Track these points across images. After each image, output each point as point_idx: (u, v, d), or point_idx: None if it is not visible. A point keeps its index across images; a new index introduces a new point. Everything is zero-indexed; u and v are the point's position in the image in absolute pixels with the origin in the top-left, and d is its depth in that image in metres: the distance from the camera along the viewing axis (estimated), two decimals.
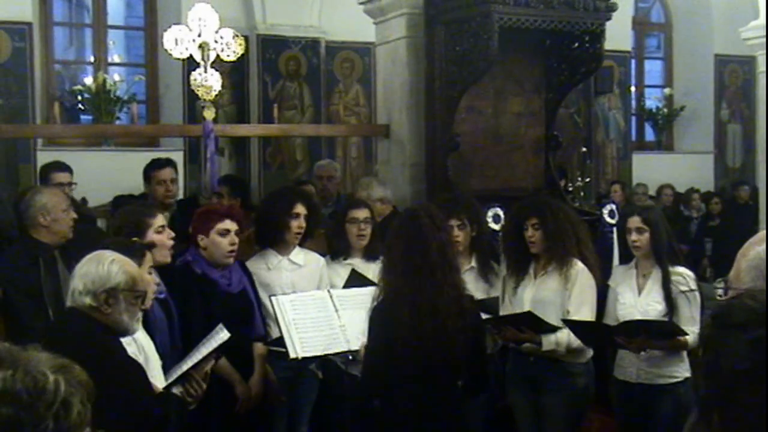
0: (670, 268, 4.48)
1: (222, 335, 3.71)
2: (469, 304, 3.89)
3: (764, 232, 2.25)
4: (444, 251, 3.79)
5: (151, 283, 3.55)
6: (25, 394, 1.34)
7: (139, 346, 3.44)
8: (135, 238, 4.12)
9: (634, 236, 4.54)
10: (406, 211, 4.13)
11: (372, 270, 4.96)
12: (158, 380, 3.43)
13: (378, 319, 3.77)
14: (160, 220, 4.30)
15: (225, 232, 4.40)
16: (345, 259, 5.02)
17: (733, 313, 1.57)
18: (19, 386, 1.34)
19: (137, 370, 3.05)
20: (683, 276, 4.49)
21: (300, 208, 4.77)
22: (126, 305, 3.08)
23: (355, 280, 4.72)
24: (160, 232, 4.23)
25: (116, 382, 2.81)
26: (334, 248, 5.08)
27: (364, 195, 5.89)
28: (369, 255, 5.01)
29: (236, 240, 4.44)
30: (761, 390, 1.47)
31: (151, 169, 5.90)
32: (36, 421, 1.33)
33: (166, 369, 3.63)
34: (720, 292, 2.33)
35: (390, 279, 3.75)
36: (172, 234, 4.32)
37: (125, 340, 3.19)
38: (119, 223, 4.36)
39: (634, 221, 4.56)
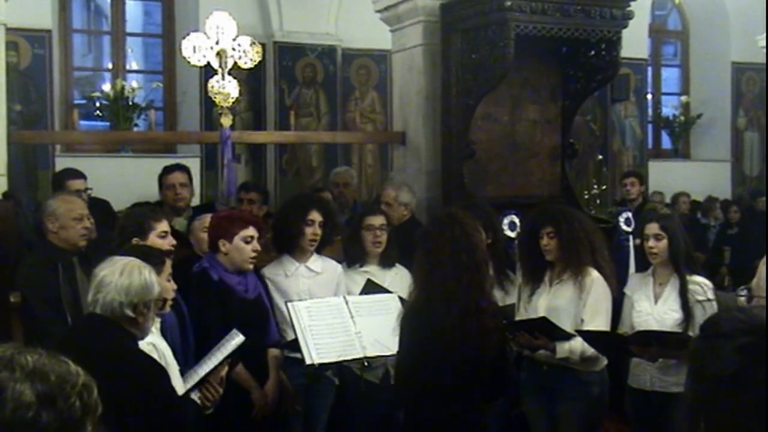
0: (688, 277, 4.47)
1: (237, 340, 3.74)
2: (495, 305, 3.94)
3: None
4: (485, 250, 3.89)
5: (170, 290, 3.57)
6: (53, 375, 1.45)
7: (161, 353, 3.45)
8: (135, 239, 4.16)
9: (651, 243, 4.53)
10: (443, 214, 4.02)
11: (388, 277, 4.97)
12: (177, 386, 3.44)
13: (414, 321, 3.76)
14: (164, 225, 4.33)
15: (249, 239, 4.42)
16: (361, 266, 5.02)
17: (720, 323, 1.64)
18: (47, 368, 1.46)
19: (163, 375, 3.08)
20: (701, 285, 4.48)
21: (315, 215, 4.77)
22: (152, 313, 3.13)
23: (371, 289, 4.73)
24: (162, 237, 4.26)
25: (144, 387, 2.84)
26: (350, 255, 5.08)
27: (392, 195, 5.88)
28: (385, 262, 5.03)
29: (258, 247, 4.46)
30: (746, 394, 1.53)
31: (162, 174, 5.95)
32: (66, 397, 1.44)
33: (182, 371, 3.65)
34: (743, 299, 2.36)
35: (433, 280, 3.71)
36: (173, 241, 4.35)
37: (148, 348, 3.22)
38: (124, 223, 4.40)
39: (652, 228, 4.55)
